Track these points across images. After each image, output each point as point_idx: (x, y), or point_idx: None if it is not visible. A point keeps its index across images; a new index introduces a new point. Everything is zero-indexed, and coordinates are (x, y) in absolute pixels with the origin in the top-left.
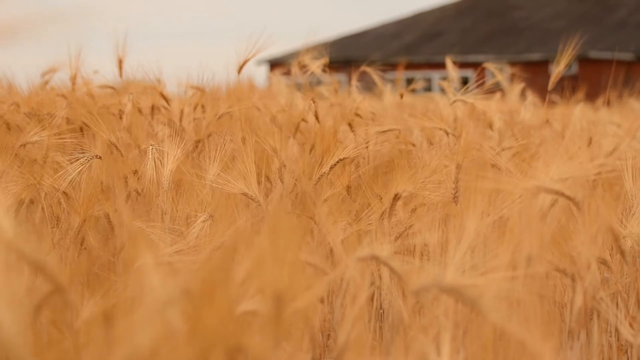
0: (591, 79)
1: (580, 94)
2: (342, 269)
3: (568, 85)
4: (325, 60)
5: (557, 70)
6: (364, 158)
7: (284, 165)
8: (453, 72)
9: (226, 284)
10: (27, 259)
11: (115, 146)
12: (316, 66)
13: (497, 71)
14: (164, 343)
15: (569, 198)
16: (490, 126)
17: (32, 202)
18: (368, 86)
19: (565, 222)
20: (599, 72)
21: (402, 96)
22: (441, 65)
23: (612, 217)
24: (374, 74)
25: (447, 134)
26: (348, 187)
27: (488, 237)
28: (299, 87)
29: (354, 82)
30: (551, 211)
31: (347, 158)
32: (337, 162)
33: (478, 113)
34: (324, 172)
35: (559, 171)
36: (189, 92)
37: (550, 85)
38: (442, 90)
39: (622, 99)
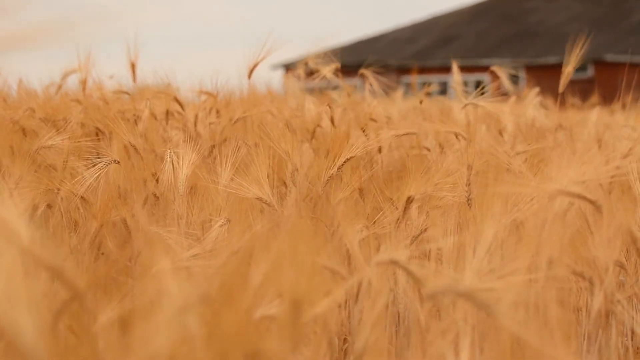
0: (607, 82)
1: (596, 97)
2: (360, 273)
3: (584, 89)
4: (337, 64)
5: (567, 70)
6: (377, 162)
7: (297, 169)
8: (458, 76)
9: (243, 288)
10: (45, 265)
11: (135, 149)
12: (329, 70)
13: (504, 75)
14: (182, 348)
15: (589, 201)
16: (504, 130)
17: (49, 206)
18: (383, 90)
19: (582, 225)
20: (615, 75)
21: (421, 102)
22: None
23: (629, 219)
24: (385, 78)
25: (462, 137)
26: (360, 190)
27: (505, 240)
28: (312, 91)
29: (368, 86)
30: (568, 214)
31: (355, 157)
32: (345, 161)
33: (491, 117)
34: (334, 173)
35: (575, 174)
36: (202, 98)
37: (562, 87)
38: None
39: (637, 102)
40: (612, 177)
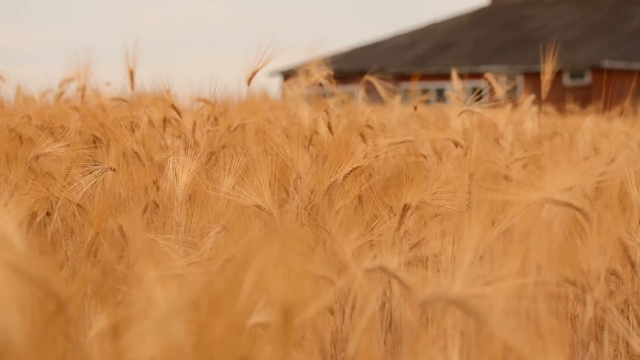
0: (605, 89)
1: (593, 104)
2: (351, 280)
3: (582, 95)
4: (331, 71)
5: (546, 79)
6: (374, 169)
7: (300, 177)
8: (457, 83)
9: (236, 295)
10: (30, 278)
11: (138, 156)
12: (325, 77)
13: (496, 82)
14: (170, 355)
15: (576, 209)
16: (500, 137)
17: (48, 214)
18: (381, 97)
19: (574, 232)
20: (613, 82)
21: (415, 108)
22: None
23: (621, 228)
24: (382, 85)
25: (458, 145)
26: (359, 198)
27: (496, 247)
28: (310, 98)
29: (365, 93)
30: (559, 221)
31: (359, 167)
32: (350, 171)
33: (488, 124)
34: (335, 182)
35: (565, 180)
36: (200, 105)
37: (543, 95)
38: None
39: (635, 109)
40: (600, 182)
